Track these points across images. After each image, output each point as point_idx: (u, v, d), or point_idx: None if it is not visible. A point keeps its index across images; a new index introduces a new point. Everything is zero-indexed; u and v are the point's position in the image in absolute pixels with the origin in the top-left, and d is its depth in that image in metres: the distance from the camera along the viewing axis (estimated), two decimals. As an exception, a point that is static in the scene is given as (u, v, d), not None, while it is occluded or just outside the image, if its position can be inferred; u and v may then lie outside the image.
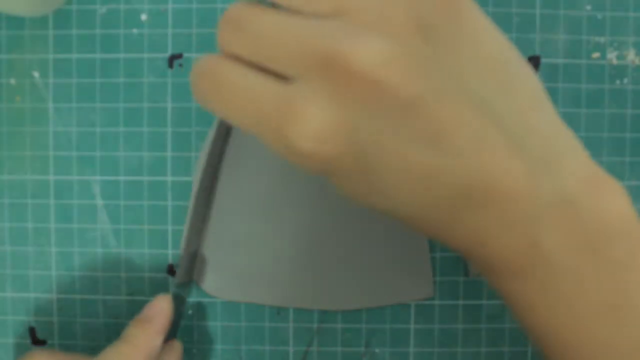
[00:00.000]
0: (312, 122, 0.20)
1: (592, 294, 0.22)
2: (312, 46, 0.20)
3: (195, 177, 0.35)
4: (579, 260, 0.22)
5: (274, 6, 0.22)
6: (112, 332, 0.37)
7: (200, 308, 0.36)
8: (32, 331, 0.37)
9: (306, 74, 0.20)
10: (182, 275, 0.35)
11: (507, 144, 0.21)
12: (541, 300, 0.23)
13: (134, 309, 0.37)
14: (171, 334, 0.33)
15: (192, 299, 0.36)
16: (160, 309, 0.32)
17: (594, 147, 0.36)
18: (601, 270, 0.22)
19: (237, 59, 0.22)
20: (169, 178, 0.36)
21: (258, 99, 0.21)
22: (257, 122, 0.21)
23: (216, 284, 0.36)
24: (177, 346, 0.33)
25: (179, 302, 0.33)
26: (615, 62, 0.36)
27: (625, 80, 0.36)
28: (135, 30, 0.36)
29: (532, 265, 0.22)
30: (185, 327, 0.36)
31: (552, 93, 0.36)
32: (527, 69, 0.22)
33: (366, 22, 0.20)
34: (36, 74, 0.36)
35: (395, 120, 0.20)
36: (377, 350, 0.36)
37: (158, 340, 0.32)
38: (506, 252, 0.22)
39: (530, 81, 0.22)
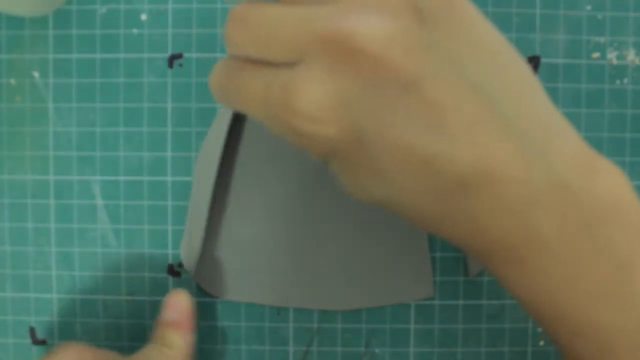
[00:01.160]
0: (310, 98, 0.21)
1: (592, 276, 0.22)
2: (311, 28, 0.21)
3: (195, 177, 0.35)
4: (576, 243, 0.22)
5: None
6: (112, 332, 0.37)
7: (200, 308, 0.36)
8: (32, 331, 0.37)
9: (307, 55, 0.21)
10: (196, 275, 0.35)
11: (500, 128, 0.21)
12: (541, 284, 0.23)
13: (134, 309, 0.37)
14: None
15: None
16: (186, 307, 0.33)
17: (594, 147, 0.36)
18: (599, 252, 0.22)
19: (249, 61, 0.23)
20: (169, 178, 0.36)
21: (267, 86, 0.22)
22: (266, 111, 0.22)
23: (216, 284, 0.36)
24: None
25: None
26: (615, 62, 0.36)
27: (625, 80, 0.36)
28: (135, 30, 0.36)
29: (530, 250, 0.22)
30: (185, 327, 0.36)
31: (552, 93, 0.36)
32: (519, 58, 0.23)
33: (364, 5, 0.21)
34: (36, 74, 0.36)
35: (394, 99, 0.21)
36: (377, 350, 0.36)
37: (192, 338, 0.33)
38: (503, 238, 0.22)
39: (522, 67, 0.23)
